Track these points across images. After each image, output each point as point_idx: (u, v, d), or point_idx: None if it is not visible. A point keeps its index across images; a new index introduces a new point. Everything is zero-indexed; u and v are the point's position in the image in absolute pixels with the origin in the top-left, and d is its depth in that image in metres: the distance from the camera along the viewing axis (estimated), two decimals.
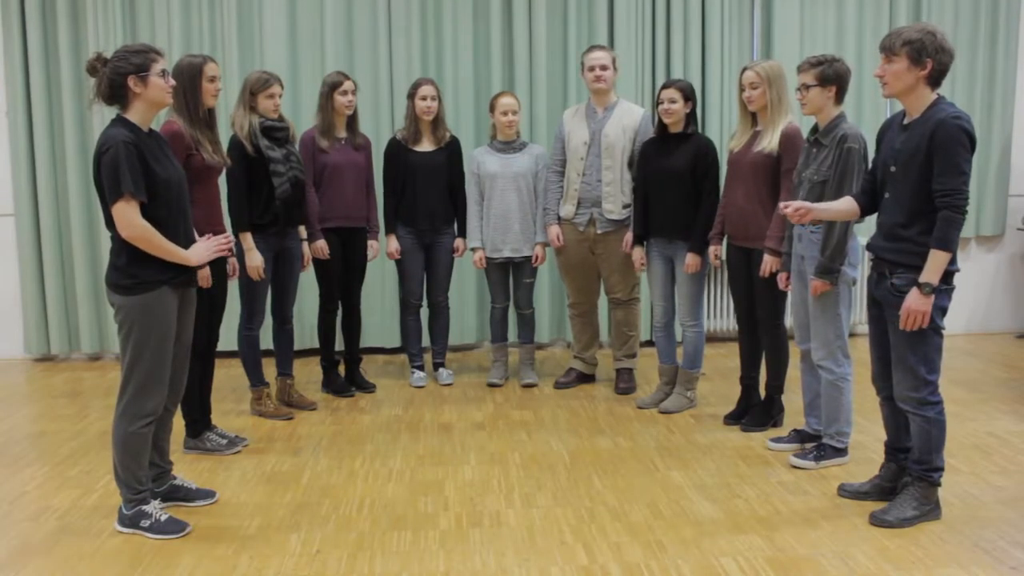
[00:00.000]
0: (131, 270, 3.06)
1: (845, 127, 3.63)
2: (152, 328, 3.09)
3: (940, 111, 3.03)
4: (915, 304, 3.05)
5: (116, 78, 3.05)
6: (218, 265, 3.95)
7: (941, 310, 3.11)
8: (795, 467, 3.80)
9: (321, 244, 4.71)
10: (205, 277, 3.69)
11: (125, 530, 3.24)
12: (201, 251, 3.20)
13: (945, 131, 2.97)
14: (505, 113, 4.93)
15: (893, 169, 3.13)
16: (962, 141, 2.97)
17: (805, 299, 3.85)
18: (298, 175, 4.44)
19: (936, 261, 3.02)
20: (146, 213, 3.05)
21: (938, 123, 2.99)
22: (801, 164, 3.79)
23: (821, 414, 3.88)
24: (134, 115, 3.10)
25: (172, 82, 3.18)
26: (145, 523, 3.21)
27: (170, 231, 3.13)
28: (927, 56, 3.02)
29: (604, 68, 4.73)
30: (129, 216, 3.01)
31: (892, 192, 3.15)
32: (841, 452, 3.82)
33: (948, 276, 3.09)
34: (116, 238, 3.08)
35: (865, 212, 3.35)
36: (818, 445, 3.85)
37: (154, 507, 3.25)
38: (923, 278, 3.03)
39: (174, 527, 3.22)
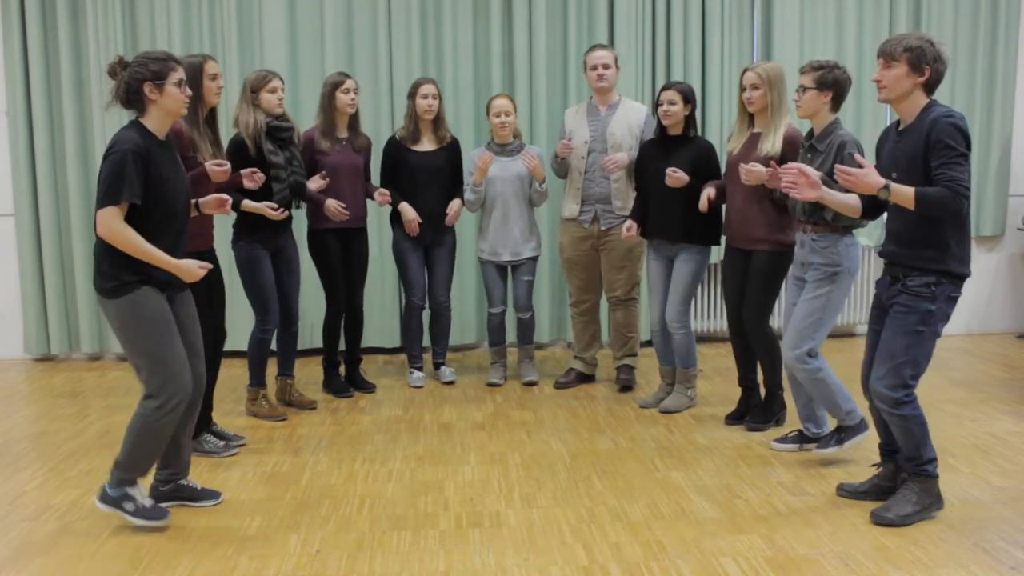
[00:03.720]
0: (113, 272, 3.06)
1: (841, 133, 3.65)
2: (144, 324, 3.08)
3: (932, 112, 3.07)
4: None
5: (133, 83, 3.06)
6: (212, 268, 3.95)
7: (944, 316, 3.13)
8: (823, 456, 3.82)
9: (332, 202, 4.63)
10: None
11: (105, 507, 3.22)
12: (193, 267, 3.11)
13: (939, 130, 3.01)
14: (498, 115, 4.93)
15: (895, 176, 3.15)
16: (955, 137, 3.00)
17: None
18: (299, 179, 4.44)
19: (903, 196, 3.00)
20: (146, 220, 3.05)
21: (931, 123, 3.04)
22: None
23: (815, 413, 3.93)
24: (150, 121, 3.11)
25: (188, 92, 3.18)
26: (129, 506, 3.21)
27: (164, 238, 3.12)
28: (926, 64, 3.07)
29: (606, 67, 4.74)
30: (111, 222, 2.99)
31: None
32: (859, 428, 3.78)
33: (958, 281, 3.11)
34: (99, 242, 3.08)
35: (864, 213, 3.36)
36: (837, 428, 3.82)
37: (138, 492, 3.24)
38: (883, 186, 3.02)
39: (157, 513, 3.22)
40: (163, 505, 3.33)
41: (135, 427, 3.15)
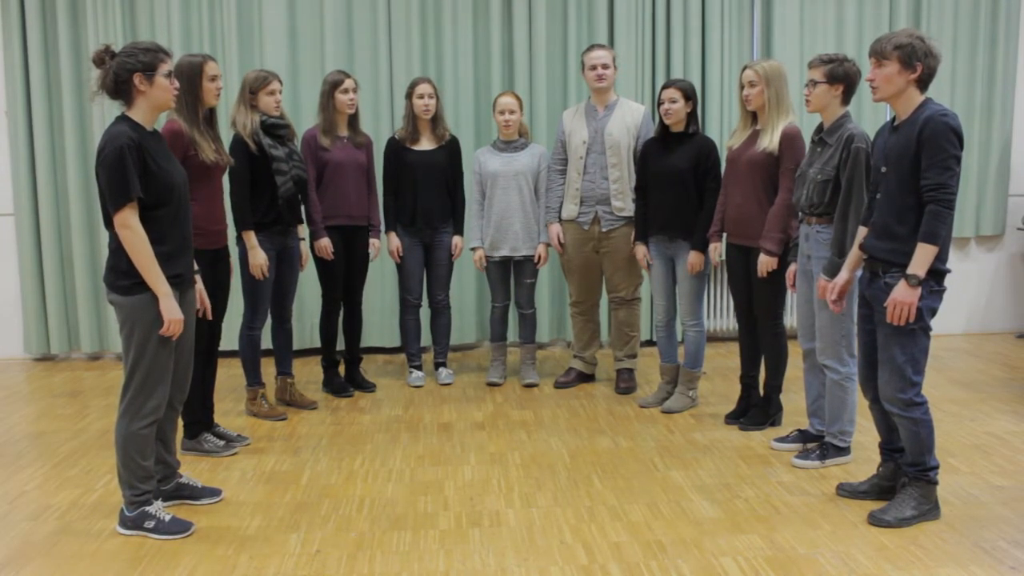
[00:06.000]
0: (132, 270, 3.05)
1: (851, 127, 3.63)
2: (154, 327, 3.08)
3: (927, 110, 3.07)
4: (901, 296, 3.06)
5: (122, 73, 3.03)
6: (220, 266, 3.96)
7: (931, 311, 3.13)
8: (800, 467, 3.80)
9: (324, 243, 4.71)
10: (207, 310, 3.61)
11: (128, 532, 3.22)
12: (174, 309, 3.08)
13: (932, 128, 3.01)
14: (503, 113, 4.94)
15: (884, 169, 3.17)
16: (949, 138, 3.00)
17: (810, 298, 3.85)
18: (300, 173, 4.45)
19: (923, 254, 3.04)
20: (147, 212, 3.05)
21: (925, 120, 3.03)
22: (805, 163, 3.80)
23: (824, 414, 3.88)
24: (137, 114, 3.09)
25: (177, 85, 3.17)
26: (149, 524, 3.20)
27: (168, 231, 3.12)
28: (917, 60, 3.06)
29: (605, 67, 4.74)
30: (131, 221, 3.00)
31: (884, 192, 3.18)
32: (844, 451, 3.82)
33: (939, 277, 3.11)
34: (115, 239, 3.08)
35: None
36: (821, 444, 3.86)
37: (157, 507, 3.24)
38: (910, 269, 3.05)
39: (179, 527, 3.21)
40: (167, 505, 3.33)
41: (119, 440, 3.15)
